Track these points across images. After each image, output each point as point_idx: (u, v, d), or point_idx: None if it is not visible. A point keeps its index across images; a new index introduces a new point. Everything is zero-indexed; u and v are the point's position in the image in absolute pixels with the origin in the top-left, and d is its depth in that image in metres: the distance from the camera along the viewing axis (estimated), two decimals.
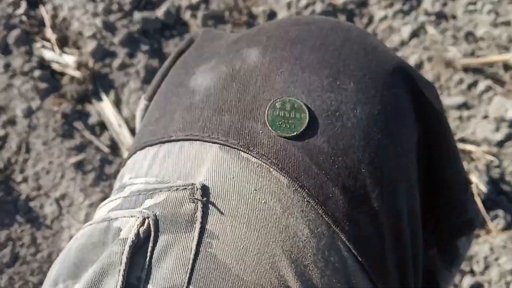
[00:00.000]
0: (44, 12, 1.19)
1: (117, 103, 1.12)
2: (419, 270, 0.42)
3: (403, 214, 0.38)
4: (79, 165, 1.04)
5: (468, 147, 1.05)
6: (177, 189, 0.34)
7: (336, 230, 0.34)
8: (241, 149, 0.34)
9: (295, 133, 0.35)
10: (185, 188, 0.33)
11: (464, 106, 1.11)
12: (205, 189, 0.33)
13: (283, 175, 0.34)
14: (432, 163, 0.43)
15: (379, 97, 0.37)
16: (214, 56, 0.40)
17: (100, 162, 1.05)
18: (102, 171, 1.04)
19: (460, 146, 1.06)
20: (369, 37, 0.41)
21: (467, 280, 0.97)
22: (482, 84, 1.12)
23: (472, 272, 0.99)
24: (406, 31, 1.19)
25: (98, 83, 1.13)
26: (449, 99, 1.12)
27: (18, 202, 1.00)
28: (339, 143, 0.35)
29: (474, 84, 1.13)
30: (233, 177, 0.34)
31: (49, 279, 0.35)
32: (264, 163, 0.34)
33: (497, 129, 1.08)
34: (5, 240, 0.96)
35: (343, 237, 0.34)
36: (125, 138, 1.09)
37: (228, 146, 0.35)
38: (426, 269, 0.46)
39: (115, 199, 0.37)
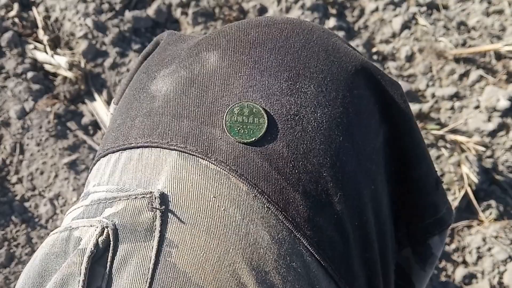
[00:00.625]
0: (36, 13, 1.20)
1: (110, 102, 1.13)
2: (389, 272, 0.42)
3: (368, 216, 0.38)
4: (72, 165, 1.05)
5: (459, 138, 1.05)
6: (135, 198, 0.33)
7: (298, 235, 0.34)
8: (200, 155, 0.34)
9: (253, 139, 0.34)
10: (144, 197, 0.33)
11: (456, 96, 1.11)
12: (163, 197, 0.33)
13: (242, 182, 0.33)
14: (400, 163, 0.42)
15: (340, 99, 0.37)
16: (175, 60, 0.39)
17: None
18: None
19: (451, 137, 1.06)
20: (331, 37, 0.40)
21: (460, 271, 0.97)
22: (474, 74, 1.12)
23: (465, 262, 0.99)
24: (397, 22, 1.18)
25: (91, 83, 1.14)
26: (440, 90, 1.11)
27: (14, 202, 1.01)
28: (299, 147, 0.34)
29: (465, 74, 1.13)
30: (192, 185, 0.33)
31: None
32: (223, 169, 0.33)
33: (489, 119, 1.07)
34: (1, 240, 0.97)
35: (305, 242, 0.34)
36: None
37: (187, 153, 0.34)
38: (401, 269, 0.46)
39: (78, 207, 0.37)
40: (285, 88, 0.36)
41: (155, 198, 0.33)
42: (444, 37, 1.16)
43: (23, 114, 1.09)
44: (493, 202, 1.01)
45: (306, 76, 0.36)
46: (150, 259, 0.31)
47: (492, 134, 1.07)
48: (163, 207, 0.33)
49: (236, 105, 0.35)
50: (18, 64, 1.13)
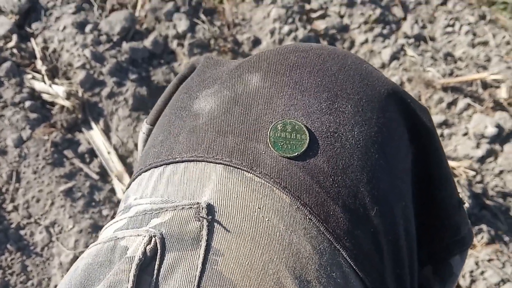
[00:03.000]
0: (35, 44, 1.22)
1: (106, 131, 1.15)
2: None
3: (400, 233, 0.39)
4: (68, 193, 1.05)
5: (450, 163, 1.07)
6: (182, 208, 0.34)
7: (337, 246, 0.35)
8: (245, 169, 0.35)
9: (296, 154, 0.36)
10: (191, 207, 0.34)
11: (445, 124, 1.14)
12: (210, 208, 0.34)
13: (285, 194, 0.35)
14: (425, 183, 0.44)
15: (375, 119, 0.39)
16: (217, 81, 0.41)
17: (89, 189, 1.07)
18: (91, 197, 1.06)
19: None
20: (363, 63, 0.43)
21: None
22: (462, 102, 1.15)
23: (458, 286, 0.99)
24: (386, 54, 1.22)
25: (88, 112, 1.15)
26: None
27: (9, 230, 1.01)
28: (338, 163, 0.36)
29: (453, 103, 1.16)
30: (237, 196, 0.35)
31: None
32: (267, 182, 0.35)
33: (478, 146, 1.10)
34: None
35: (344, 254, 0.35)
36: (114, 165, 1.11)
37: (232, 166, 0.36)
38: None
39: (121, 219, 0.37)
40: (324, 107, 0.38)
41: (202, 208, 0.34)
42: (432, 67, 1.20)
43: (20, 143, 1.10)
44: (484, 227, 1.03)
45: (343, 97, 0.39)
46: (197, 267, 0.32)
47: (481, 160, 1.09)
48: (210, 217, 0.34)
49: (279, 121, 0.37)
50: (16, 94, 1.14)
